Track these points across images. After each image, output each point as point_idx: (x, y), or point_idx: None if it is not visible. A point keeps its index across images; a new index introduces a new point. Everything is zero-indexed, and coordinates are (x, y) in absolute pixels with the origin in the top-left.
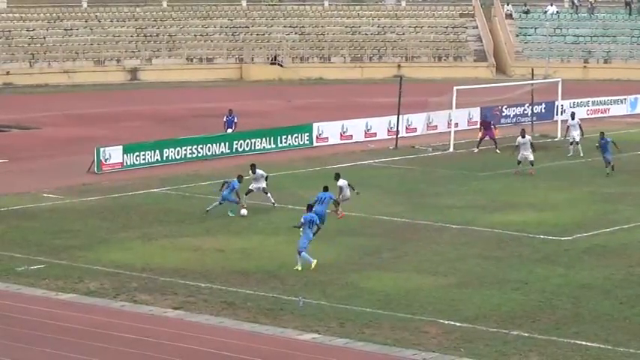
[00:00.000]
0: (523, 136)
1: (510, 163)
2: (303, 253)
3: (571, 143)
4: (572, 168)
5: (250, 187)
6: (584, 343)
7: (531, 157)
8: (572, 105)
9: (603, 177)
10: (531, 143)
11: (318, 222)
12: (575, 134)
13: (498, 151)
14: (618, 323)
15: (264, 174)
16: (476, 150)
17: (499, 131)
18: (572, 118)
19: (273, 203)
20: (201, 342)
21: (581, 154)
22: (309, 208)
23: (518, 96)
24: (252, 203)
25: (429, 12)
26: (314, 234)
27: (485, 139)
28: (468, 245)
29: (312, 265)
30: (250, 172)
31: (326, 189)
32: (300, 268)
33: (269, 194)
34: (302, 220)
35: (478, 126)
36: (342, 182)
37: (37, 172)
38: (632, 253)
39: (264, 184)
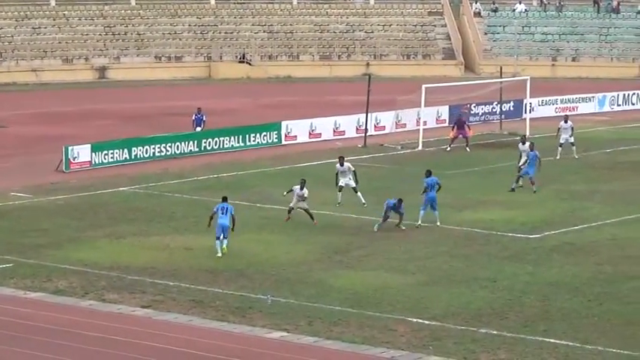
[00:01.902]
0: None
1: (479, 161)
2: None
3: (560, 145)
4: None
5: (340, 183)
6: (552, 340)
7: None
8: (540, 103)
9: (572, 175)
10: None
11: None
12: (567, 136)
13: (468, 150)
14: (586, 321)
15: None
16: (448, 148)
17: (473, 131)
18: (565, 122)
19: (364, 204)
20: (169, 340)
21: (576, 156)
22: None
23: (487, 94)
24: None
25: (398, 10)
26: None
27: (459, 137)
28: (437, 243)
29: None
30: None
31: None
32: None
33: (359, 193)
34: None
35: (452, 125)
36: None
37: (5, 171)
38: (600, 251)
39: (353, 184)
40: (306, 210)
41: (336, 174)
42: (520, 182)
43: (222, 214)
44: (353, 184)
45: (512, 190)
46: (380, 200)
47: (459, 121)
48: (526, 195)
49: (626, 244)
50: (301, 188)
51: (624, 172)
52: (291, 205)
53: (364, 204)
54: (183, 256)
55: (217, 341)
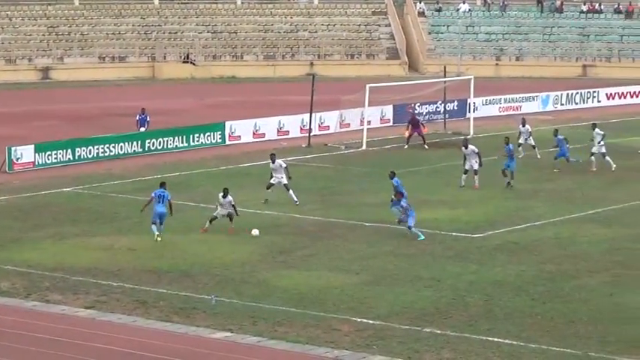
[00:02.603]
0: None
1: (423, 161)
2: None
3: (519, 145)
4: (483, 165)
5: (271, 181)
6: (496, 339)
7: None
8: (484, 102)
9: (516, 174)
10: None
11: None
12: (527, 138)
13: (426, 147)
14: (530, 319)
15: (284, 164)
16: (406, 146)
17: (427, 128)
18: (523, 126)
19: (296, 202)
20: (113, 341)
21: (538, 157)
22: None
23: (431, 93)
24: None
25: (342, 10)
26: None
27: (414, 135)
28: (381, 243)
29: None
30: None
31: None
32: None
33: (291, 191)
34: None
35: (406, 124)
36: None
37: None
38: (543, 250)
39: (285, 181)
40: (229, 215)
41: (271, 175)
42: (510, 176)
43: (159, 202)
44: (285, 181)
45: (509, 184)
46: (324, 200)
47: (413, 120)
48: (470, 194)
49: (569, 243)
50: (224, 197)
51: (567, 171)
52: (215, 214)
53: (296, 202)
54: (126, 256)
55: (161, 342)
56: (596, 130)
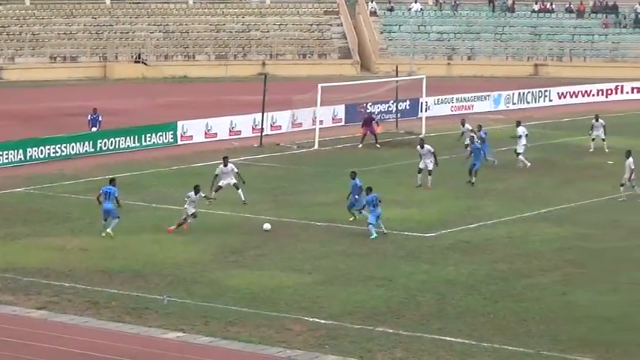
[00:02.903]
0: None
1: (375, 160)
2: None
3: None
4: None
5: (220, 184)
6: (448, 338)
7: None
8: (436, 102)
9: (467, 173)
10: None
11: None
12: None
13: (378, 146)
14: (482, 318)
15: (236, 169)
16: (360, 145)
17: (382, 127)
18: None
19: (244, 201)
20: (65, 342)
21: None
22: (369, 190)
23: (383, 93)
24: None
25: (294, 9)
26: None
27: (367, 134)
28: (333, 242)
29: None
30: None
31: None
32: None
33: (240, 190)
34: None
35: (361, 123)
36: None
37: None
38: (495, 249)
39: (234, 180)
40: (194, 215)
41: (216, 175)
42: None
43: (106, 198)
44: (234, 180)
45: (472, 183)
46: (276, 200)
47: (367, 119)
48: (423, 194)
49: (520, 242)
50: (196, 193)
51: (519, 170)
52: (190, 212)
53: (244, 202)
54: (78, 257)
55: (113, 342)
56: (520, 127)
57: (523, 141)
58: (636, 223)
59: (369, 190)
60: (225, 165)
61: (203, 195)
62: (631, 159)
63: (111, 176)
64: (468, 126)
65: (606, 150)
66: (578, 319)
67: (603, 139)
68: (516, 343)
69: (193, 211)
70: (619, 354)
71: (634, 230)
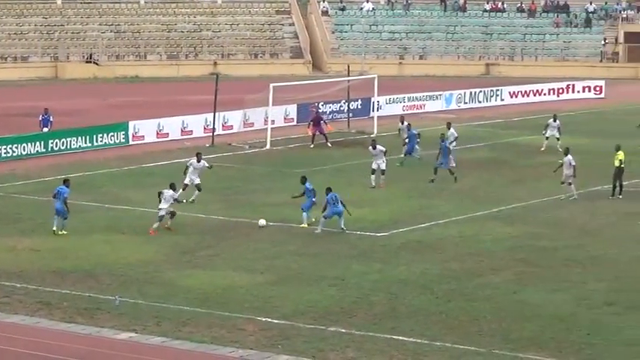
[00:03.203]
0: (374, 147)
1: (327, 160)
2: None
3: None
4: (389, 164)
5: (186, 181)
6: (400, 338)
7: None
8: (388, 101)
9: (420, 173)
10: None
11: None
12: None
13: (329, 145)
14: (434, 317)
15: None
16: (312, 145)
17: (332, 126)
18: (403, 125)
19: (192, 200)
20: (16, 343)
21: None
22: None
23: (335, 92)
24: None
25: (245, 9)
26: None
27: (317, 134)
28: (285, 242)
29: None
30: (195, 160)
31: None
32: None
33: (196, 192)
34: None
35: (308, 122)
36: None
37: None
38: (447, 249)
39: (198, 180)
40: (172, 213)
41: (187, 167)
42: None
43: (57, 198)
44: (198, 181)
45: (432, 181)
46: (228, 199)
47: (315, 119)
48: (375, 193)
49: (472, 241)
50: (175, 190)
51: (471, 169)
52: (167, 212)
53: (193, 200)
54: (29, 257)
55: (65, 343)
56: (451, 130)
57: (453, 143)
58: (586, 222)
59: (329, 190)
60: (199, 161)
61: (176, 197)
62: (570, 156)
63: (64, 177)
64: (406, 123)
65: (560, 149)
66: (529, 317)
67: (558, 139)
68: (468, 342)
69: (171, 210)
70: (569, 352)
71: (584, 229)
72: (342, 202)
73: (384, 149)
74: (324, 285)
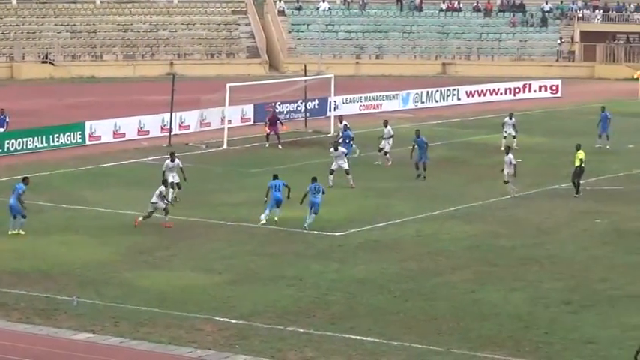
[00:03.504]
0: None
1: (284, 159)
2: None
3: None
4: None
5: (170, 180)
6: (359, 337)
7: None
8: (345, 101)
9: (377, 172)
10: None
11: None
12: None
13: (280, 147)
14: (392, 317)
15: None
16: (267, 145)
17: (287, 126)
18: (385, 126)
19: (174, 198)
20: None
21: (389, 163)
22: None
23: (292, 92)
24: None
25: (202, 9)
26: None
27: (272, 134)
28: (242, 242)
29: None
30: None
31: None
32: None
33: (177, 191)
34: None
35: (265, 122)
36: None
37: None
38: (405, 248)
39: (177, 179)
40: (165, 209)
41: (164, 172)
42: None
43: (13, 193)
44: (177, 180)
45: (420, 176)
46: (185, 200)
47: (272, 119)
48: (331, 193)
49: (430, 240)
50: (166, 187)
51: (429, 168)
52: (160, 207)
53: (174, 199)
54: None
55: (22, 344)
56: (388, 128)
57: (390, 141)
58: (543, 221)
59: (314, 179)
60: (172, 160)
61: (164, 193)
62: (510, 155)
63: (22, 177)
64: (345, 123)
65: (516, 147)
66: (487, 316)
67: (514, 137)
68: (426, 341)
69: (164, 205)
70: (527, 351)
71: (541, 228)
72: (322, 192)
73: (345, 151)
74: (282, 285)
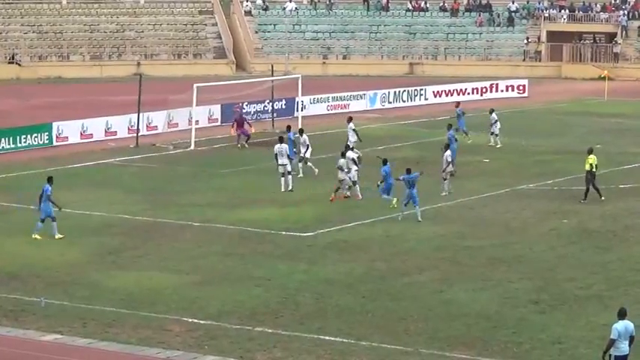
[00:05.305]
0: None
1: (252, 160)
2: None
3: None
4: (314, 164)
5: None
6: (327, 337)
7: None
8: (312, 101)
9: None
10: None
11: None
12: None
13: (246, 146)
14: (361, 317)
15: None
16: (239, 145)
17: (254, 127)
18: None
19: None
20: None
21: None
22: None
23: (259, 92)
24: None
25: (168, 9)
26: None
27: (240, 135)
28: (210, 243)
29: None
30: None
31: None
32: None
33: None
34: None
35: (231, 123)
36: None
37: None
38: (373, 248)
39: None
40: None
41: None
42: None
43: (40, 197)
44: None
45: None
46: (153, 200)
47: (239, 120)
48: (300, 193)
49: (398, 240)
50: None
51: (396, 168)
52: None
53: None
54: None
55: None
56: (350, 124)
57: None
58: (511, 220)
59: (385, 161)
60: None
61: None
62: (448, 152)
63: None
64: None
65: (499, 145)
66: (455, 316)
67: (496, 135)
68: (395, 341)
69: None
70: (496, 351)
71: (509, 227)
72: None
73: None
74: (251, 285)
